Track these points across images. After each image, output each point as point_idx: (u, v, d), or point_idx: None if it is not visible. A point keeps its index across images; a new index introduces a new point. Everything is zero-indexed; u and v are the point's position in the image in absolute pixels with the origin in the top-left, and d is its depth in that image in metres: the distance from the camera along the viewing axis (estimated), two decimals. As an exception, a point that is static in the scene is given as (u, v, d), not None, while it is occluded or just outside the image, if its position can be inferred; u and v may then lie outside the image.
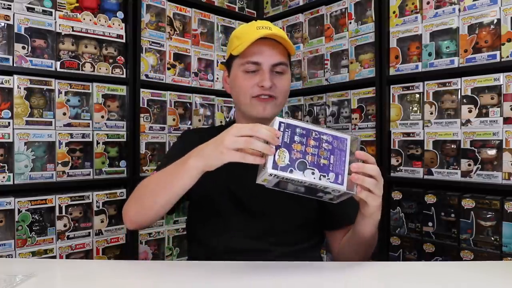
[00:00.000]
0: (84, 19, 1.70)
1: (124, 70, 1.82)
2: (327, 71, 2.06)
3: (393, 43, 1.78)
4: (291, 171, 0.76)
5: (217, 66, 2.16)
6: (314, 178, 0.76)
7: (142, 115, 1.87)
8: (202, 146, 0.87)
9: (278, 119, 0.80)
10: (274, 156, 0.76)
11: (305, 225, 1.10)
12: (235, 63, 1.09)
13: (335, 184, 0.77)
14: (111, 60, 1.79)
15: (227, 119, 2.20)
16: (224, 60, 1.18)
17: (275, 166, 0.76)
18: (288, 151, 0.77)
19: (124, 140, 1.82)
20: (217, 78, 2.16)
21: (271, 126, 0.80)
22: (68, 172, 1.66)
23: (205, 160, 0.84)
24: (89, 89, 1.72)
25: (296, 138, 0.78)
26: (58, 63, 1.64)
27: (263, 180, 0.79)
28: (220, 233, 1.08)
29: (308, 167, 0.77)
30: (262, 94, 1.05)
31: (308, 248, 1.10)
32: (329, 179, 0.77)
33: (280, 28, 2.26)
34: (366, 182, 0.79)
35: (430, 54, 1.67)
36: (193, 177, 0.87)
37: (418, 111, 1.72)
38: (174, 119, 1.99)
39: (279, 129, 0.78)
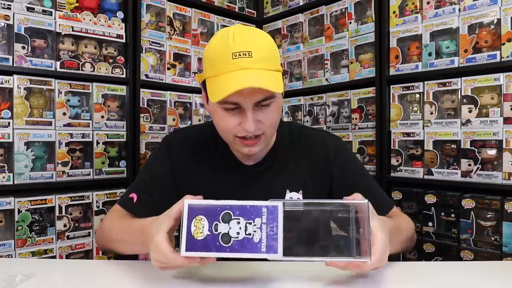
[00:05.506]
0: (84, 19, 1.70)
1: (124, 70, 1.82)
2: (327, 71, 2.06)
3: (393, 43, 1.78)
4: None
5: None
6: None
7: (142, 115, 1.87)
8: (149, 235, 0.76)
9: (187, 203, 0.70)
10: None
11: None
12: None
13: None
14: (111, 60, 1.79)
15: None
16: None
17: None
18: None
19: (124, 140, 1.82)
20: (217, 78, 2.15)
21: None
22: (68, 172, 1.66)
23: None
24: (89, 89, 1.72)
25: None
26: (58, 63, 1.64)
27: None
28: None
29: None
30: (246, 136, 0.89)
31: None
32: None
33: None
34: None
35: (430, 54, 1.67)
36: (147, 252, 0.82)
37: (418, 111, 1.72)
38: (174, 119, 1.99)
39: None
